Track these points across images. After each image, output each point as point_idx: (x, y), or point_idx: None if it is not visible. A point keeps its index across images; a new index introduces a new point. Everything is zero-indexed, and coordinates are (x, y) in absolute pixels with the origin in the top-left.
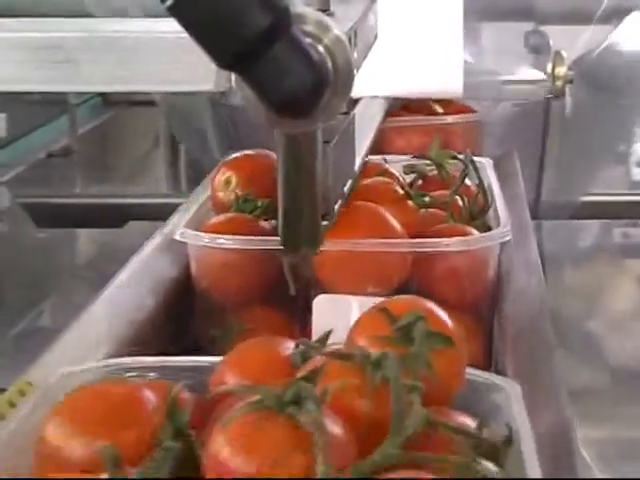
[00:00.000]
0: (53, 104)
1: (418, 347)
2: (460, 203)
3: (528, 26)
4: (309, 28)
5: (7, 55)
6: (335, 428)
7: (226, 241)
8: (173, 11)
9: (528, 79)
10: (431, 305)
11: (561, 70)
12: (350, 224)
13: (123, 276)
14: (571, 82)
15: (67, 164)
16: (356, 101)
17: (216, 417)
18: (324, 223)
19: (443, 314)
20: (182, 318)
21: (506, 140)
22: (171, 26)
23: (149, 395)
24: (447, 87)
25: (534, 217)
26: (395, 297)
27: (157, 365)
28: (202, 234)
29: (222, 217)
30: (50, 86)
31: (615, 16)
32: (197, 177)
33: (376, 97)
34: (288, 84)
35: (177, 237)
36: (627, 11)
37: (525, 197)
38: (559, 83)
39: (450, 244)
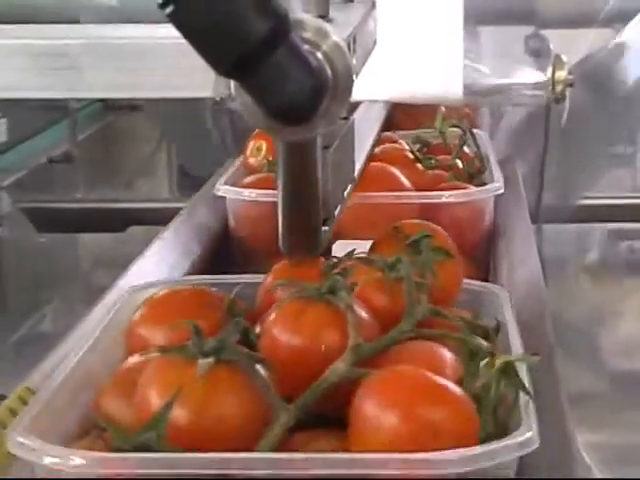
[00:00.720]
0: (54, 109)
1: (425, 256)
2: (460, 165)
3: (528, 30)
4: (308, 35)
5: (9, 62)
6: (362, 311)
7: (259, 195)
8: (172, 18)
9: (528, 83)
10: (436, 227)
11: (561, 74)
12: (366, 181)
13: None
14: (571, 86)
15: (68, 169)
16: (355, 106)
17: (265, 311)
18: (325, 228)
19: (446, 235)
20: (222, 263)
21: (506, 144)
22: (170, 32)
23: (214, 295)
24: (447, 92)
25: (534, 221)
26: (406, 220)
27: (215, 282)
28: (240, 189)
29: (255, 177)
30: (51, 93)
31: (616, 20)
32: (190, 182)
33: (375, 102)
34: (287, 91)
35: (219, 193)
36: (628, 15)
37: (525, 201)
38: (559, 87)
39: (451, 196)
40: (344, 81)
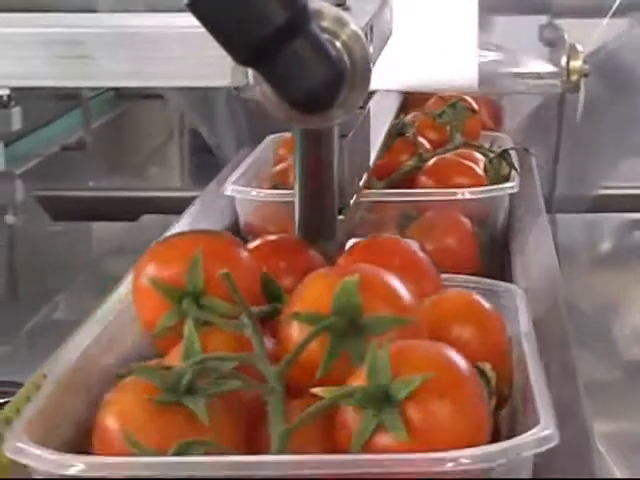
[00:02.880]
0: (67, 98)
1: None
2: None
3: (543, 19)
4: (326, 24)
5: (24, 51)
6: None
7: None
8: (192, 8)
9: (543, 73)
10: None
11: (576, 64)
12: None
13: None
14: (586, 76)
15: (81, 157)
16: (371, 94)
17: None
18: (340, 217)
19: None
20: None
21: (520, 134)
22: (188, 21)
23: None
24: (462, 81)
25: (549, 211)
26: None
27: None
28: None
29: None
30: (66, 81)
31: (631, 10)
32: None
33: (390, 91)
34: (306, 80)
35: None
36: None
37: (540, 191)
38: (574, 77)
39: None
40: (362, 70)
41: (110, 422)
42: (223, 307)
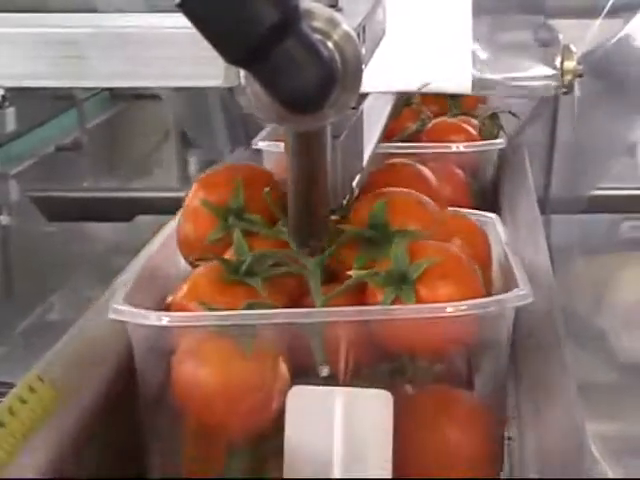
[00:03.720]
0: (61, 98)
1: None
2: None
3: (537, 20)
4: (318, 24)
5: (17, 51)
6: None
7: None
8: (183, 8)
9: (537, 74)
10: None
11: (570, 64)
12: None
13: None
14: (580, 76)
15: (76, 158)
16: (364, 96)
17: None
18: (333, 217)
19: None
20: None
21: (515, 134)
22: (180, 21)
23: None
24: (456, 82)
25: (543, 212)
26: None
27: None
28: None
29: None
30: (60, 82)
31: (625, 10)
32: (202, 169)
33: (384, 93)
34: (297, 80)
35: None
36: (636, 5)
37: (534, 192)
38: (568, 77)
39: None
40: (354, 71)
41: (186, 297)
42: (261, 220)
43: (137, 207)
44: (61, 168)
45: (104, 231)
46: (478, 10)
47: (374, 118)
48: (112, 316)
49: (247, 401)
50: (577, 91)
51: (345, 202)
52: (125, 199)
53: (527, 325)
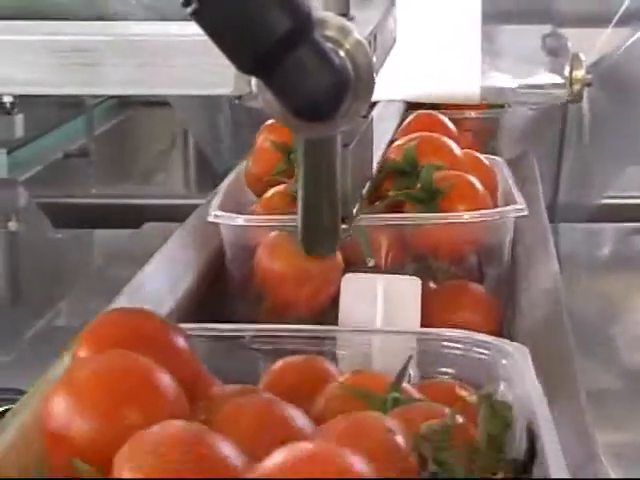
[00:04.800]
0: (70, 105)
1: None
2: None
3: (546, 29)
4: (330, 33)
5: (28, 58)
6: None
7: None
8: (196, 16)
9: (546, 83)
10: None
11: (579, 73)
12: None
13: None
14: (589, 85)
15: (84, 164)
16: (374, 104)
17: None
18: (343, 226)
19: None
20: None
21: (523, 142)
22: (190, 29)
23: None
24: (464, 91)
25: (551, 220)
26: None
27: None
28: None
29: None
30: (70, 89)
31: (634, 19)
32: (210, 177)
33: (393, 101)
34: (309, 88)
35: (209, 219)
36: None
37: (542, 200)
38: (577, 86)
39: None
40: (366, 79)
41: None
42: None
43: (145, 214)
44: (69, 175)
45: (112, 238)
46: (487, 18)
47: (383, 126)
48: (210, 219)
49: (310, 284)
50: (586, 100)
51: (355, 210)
52: (133, 206)
53: (535, 332)
